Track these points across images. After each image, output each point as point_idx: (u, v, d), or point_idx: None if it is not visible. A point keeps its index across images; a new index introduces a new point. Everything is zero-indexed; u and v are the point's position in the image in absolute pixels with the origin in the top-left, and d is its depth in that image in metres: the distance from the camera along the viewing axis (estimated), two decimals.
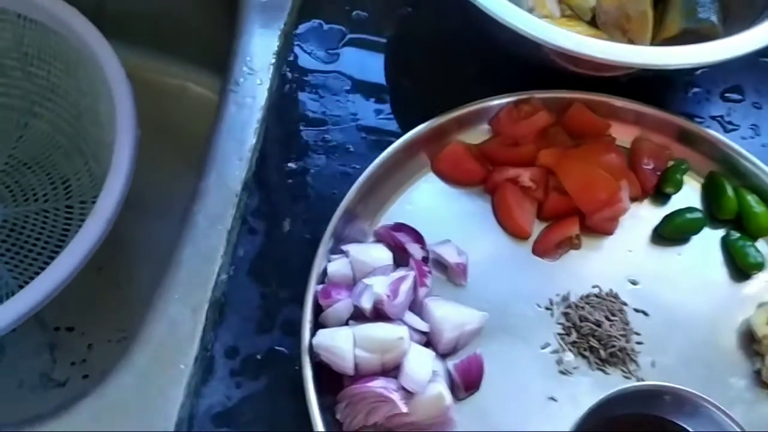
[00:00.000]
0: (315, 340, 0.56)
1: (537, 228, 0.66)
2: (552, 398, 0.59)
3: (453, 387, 0.58)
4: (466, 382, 0.58)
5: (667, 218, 0.66)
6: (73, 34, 0.70)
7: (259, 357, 0.60)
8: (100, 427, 0.56)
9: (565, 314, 0.62)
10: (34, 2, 0.71)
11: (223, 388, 0.59)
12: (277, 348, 0.61)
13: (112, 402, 0.57)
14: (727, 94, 0.75)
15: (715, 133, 0.69)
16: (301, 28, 0.76)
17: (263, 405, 0.58)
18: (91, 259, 0.64)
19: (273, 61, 0.73)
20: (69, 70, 0.76)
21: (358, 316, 0.57)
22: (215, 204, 0.65)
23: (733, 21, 0.68)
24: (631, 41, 0.69)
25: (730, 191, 0.67)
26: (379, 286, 0.56)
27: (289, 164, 0.69)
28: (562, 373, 0.61)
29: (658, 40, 0.68)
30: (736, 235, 0.66)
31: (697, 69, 0.73)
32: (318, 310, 0.59)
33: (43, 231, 0.80)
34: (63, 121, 0.83)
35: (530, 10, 0.70)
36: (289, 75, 0.73)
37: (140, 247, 0.88)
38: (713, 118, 0.73)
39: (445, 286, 0.63)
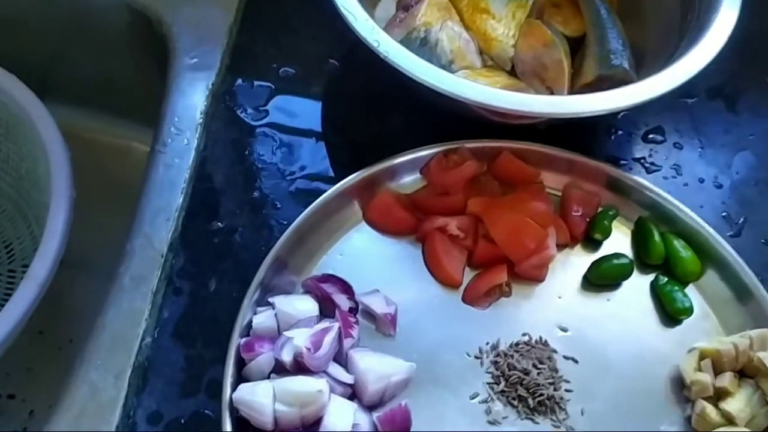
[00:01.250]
0: (235, 395, 0.55)
1: (468, 276, 0.66)
2: None
3: None
4: None
5: (595, 264, 0.67)
6: (12, 100, 0.72)
7: (183, 421, 0.59)
8: None
9: (495, 362, 0.62)
10: None
11: None
12: (202, 411, 0.60)
13: None
14: (649, 135, 0.77)
15: (641, 180, 0.70)
16: (230, 87, 0.77)
17: None
18: (30, 323, 0.64)
19: (200, 120, 0.73)
20: (9, 135, 0.77)
21: (280, 369, 0.57)
22: (141, 265, 0.65)
23: (648, 67, 0.70)
24: (549, 89, 0.71)
25: (657, 236, 0.67)
26: (299, 338, 0.56)
27: (217, 223, 0.69)
28: (490, 422, 0.60)
29: (576, 88, 0.70)
30: (664, 279, 0.66)
31: (617, 113, 0.75)
32: (241, 362, 0.58)
33: None
34: (6, 184, 0.83)
35: (450, 62, 0.71)
36: (218, 134, 0.74)
37: (82, 309, 0.87)
38: (636, 160, 0.75)
39: (373, 337, 0.63)
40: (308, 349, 0.55)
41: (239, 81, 0.77)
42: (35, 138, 0.70)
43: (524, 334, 0.64)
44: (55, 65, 0.93)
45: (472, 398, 0.61)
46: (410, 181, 0.70)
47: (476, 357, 0.63)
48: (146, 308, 0.63)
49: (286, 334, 0.57)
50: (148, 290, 0.63)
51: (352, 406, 0.56)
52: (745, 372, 0.62)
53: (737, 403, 0.59)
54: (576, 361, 0.63)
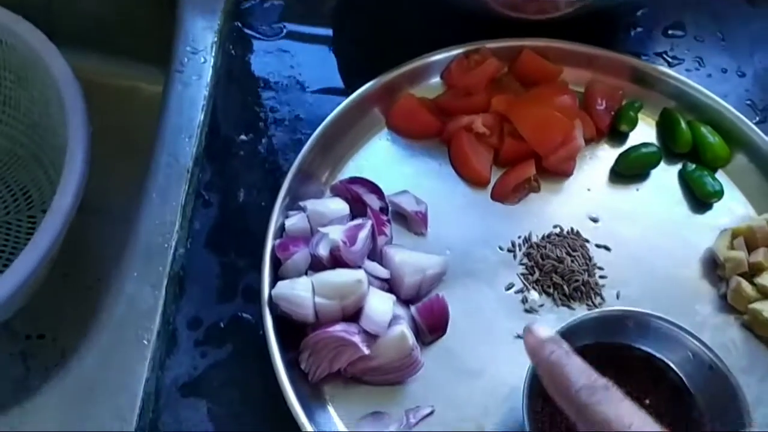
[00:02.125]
0: (274, 292, 0.55)
1: (495, 175, 0.66)
2: (519, 336, 0.59)
3: (418, 332, 0.58)
4: (430, 325, 0.57)
5: (623, 155, 0.67)
6: (20, 42, 0.70)
7: (222, 325, 0.60)
8: (65, 409, 0.56)
9: (528, 254, 0.62)
10: None
11: (188, 359, 0.58)
12: (239, 314, 0.60)
13: (76, 383, 0.57)
14: (669, 31, 0.76)
15: (667, 70, 0.70)
16: (242, 6, 0.76)
17: (230, 371, 0.58)
18: (55, 267, 0.64)
19: (215, 39, 0.73)
20: (20, 80, 0.76)
21: (316, 266, 0.57)
22: (167, 181, 0.65)
23: None
24: None
25: (683, 124, 0.67)
26: (335, 233, 0.56)
27: (241, 136, 0.69)
28: (527, 311, 0.60)
29: None
30: (692, 166, 0.66)
31: (638, 8, 0.74)
32: (277, 265, 0.59)
33: (7, 242, 0.79)
34: (18, 132, 0.83)
35: None
36: (234, 52, 0.74)
37: (104, 250, 0.88)
38: (657, 54, 0.74)
39: (405, 236, 0.63)
40: (344, 243, 0.56)
41: (251, 0, 0.76)
42: (47, 79, 0.69)
43: (555, 226, 0.64)
44: (58, 5, 0.92)
45: (508, 289, 0.61)
46: (432, 85, 0.70)
47: (509, 250, 0.63)
48: (176, 221, 0.63)
49: (321, 230, 0.57)
50: (177, 204, 0.64)
51: (390, 296, 0.56)
52: None
53: None
54: (609, 249, 0.63)
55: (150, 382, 0.57)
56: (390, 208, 0.63)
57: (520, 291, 0.61)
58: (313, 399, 0.55)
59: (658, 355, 0.56)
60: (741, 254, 0.60)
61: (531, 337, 0.47)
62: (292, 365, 0.56)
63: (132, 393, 0.56)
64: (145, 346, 0.58)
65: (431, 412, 0.56)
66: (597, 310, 0.59)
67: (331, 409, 0.56)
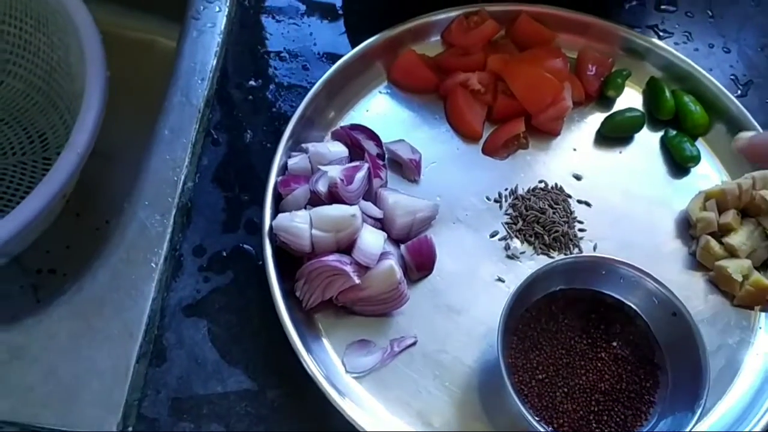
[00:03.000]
0: (275, 222, 0.59)
1: (487, 130, 0.70)
2: (500, 279, 0.63)
3: (406, 269, 0.62)
4: (418, 263, 0.62)
5: (609, 118, 0.70)
6: None
7: (224, 254, 0.64)
8: (76, 321, 0.60)
9: (513, 205, 0.66)
10: None
11: (192, 282, 0.63)
12: (241, 245, 0.64)
13: (88, 297, 0.61)
14: (662, 6, 0.80)
15: (656, 41, 0.73)
16: None
17: (230, 296, 0.62)
18: (68, 206, 0.68)
19: None
20: (40, 25, 0.77)
21: (315, 202, 0.61)
22: (179, 119, 0.69)
23: None
24: None
25: (668, 93, 0.71)
26: (333, 171, 0.60)
27: (250, 82, 0.72)
28: (509, 257, 0.65)
29: None
30: (673, 132, 0.70)
31: None
32: (278, 201, 0.63)
33: (23, 182, 0.81)
34: (36, 77, 0.84)
35: None
36: (247, 2, 0.77)
37: (115, 194, 0.91)
38: (649, 27, 0.78)
39: (400, 182, 0.67)
40: (342, 180, 0.59)
41: None
42: (67, 26, 0.71)
43: (540, 181, 0.68)
44: None
45: (492, 236, 0.65)
46: (432, 43, 0.73)
47: (495, 201, 0.67)
48: (186, 156, 0.67)
49: (322, 167, 0.61)
50: (187, 141, 0.67)
51: (382, 233, 0.60)
52: (748, 212, 0.66)
53: (739, 238, 0.64)
54: (589, 205, 0.67)
55: (156, 301, 0.61)
56: (387, 155, 0.67)
57: (504, 238, 0.65)
58: (306, 326, 0.60)
59: (626, 301, 0.60)
60: (711, 215, 0.64)
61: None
62: (288, 294, 0.60)
63: (139, 310, 0.60)
64: (153, 268, 0.62)
65: (414, 343, 0.60)
66: (571, 256, 0.63)
67: (322, 335, 0.60)
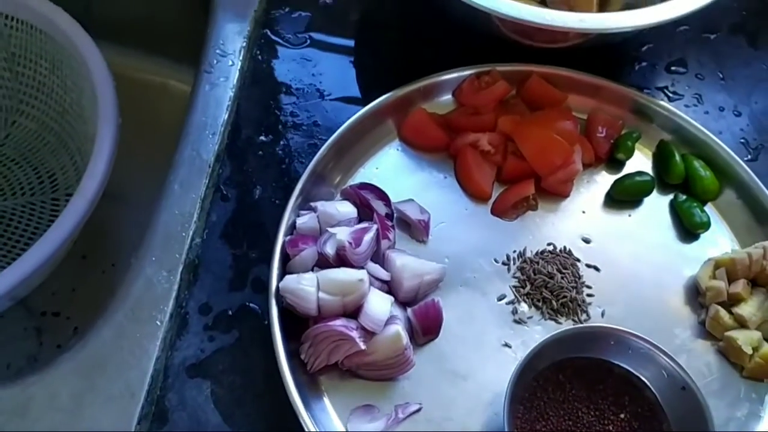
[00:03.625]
0: (282, 284, 0.59)
1: (496, 191, 0.70)
2: (506, 344, 0.63)
3: (413, 333, 0.62)
4: (425, 327, 0.61)
5: (619, 181, 0.70)
6: (58, 32, 0.73)
7: (230, 312, 0.64)
8: (77, 380, 0.59)
9: (521, 268, 0.66)
10: (22, 2, 0.74)
11: (197, 341, 0.62)
12: (248, 304, 0.64)
13: (91, 355, 0.61)
14: (672, 67, 0.80)
15: (666, 104, 0.73)
16: (271, 15, 0.80)
17: (235, 356, 0.62)
18: (75, 248, 0.68)
19: (244, 44, 0.77)
20: (54, 68, 0.79)
21: (322, 264, 0.61)
22: (189, 173, 0.69)
23: None
24: None
25: (678, 157, 0.71)
26: (342, 234, 0.60)
27: (261, 137, 0.73)
28: (516, 322, 0.64)
29: None
30: (683, 197, 0.70)
31: (643, 44, 0.78)
32: (286, 260, 0.63)
33: (30, 222, 0.82)
34: (49, 118, 0.86)
35: None
36: (260, 57, 0.78)
37: (122, 236, 0.91)
38: (659, 89, 0.78)
39: (408, 243, 0.67)
40: (350, 243, 0.59)
41: (281, 9, 0.80)
42: (81, 69, 0.72)
43: (549, 244, 0.68)
44: (97, 0, 0.95)
45: (500, 299, 0.65)
46: (443, 102, 0.74)
47: (503, 263, 0.67)
48: (195, 212, 0.67)
49: (330, 230, 0.61)
50: (196, 196, 0.68)
51: (389, 297, 0.60)
52: (758, 281, 0.65)
53: (749, 308, 0.63)
54: (598, 270, 0.67)
55: (160, 360, 0.60)
56: (395, 215, 0.67)
57: (511, 302, 0.65)
58: (310, 388, 0.59)
59: (635, 372, 0.59)
60: (721, 284, 0.64)
61: None
62: (292, 355, 0.59)
63: (142, 370, 0.60)
64: (158, 326, 0.62)
65: (419, 409, 0.59)
66: (581, 325, 0.63)
67: (326, 399, 0.59)
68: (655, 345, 0.58)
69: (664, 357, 0.57)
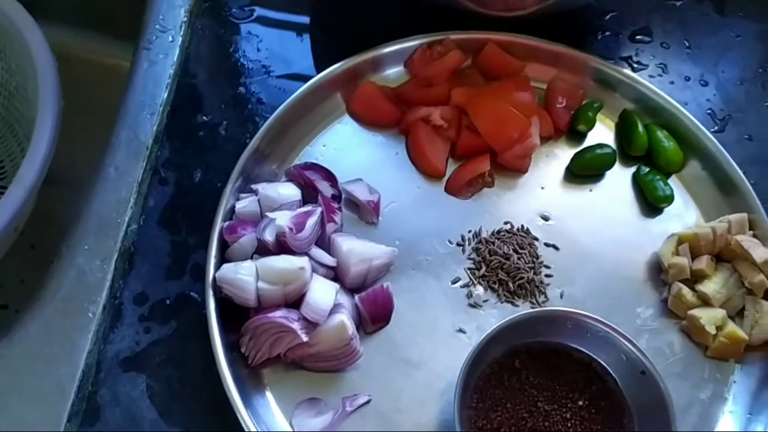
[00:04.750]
0: (218, 274, 0.56)
1: (451, 168, 0.67)
2: (461, 330, 0.60)
3: (361, 321, 0.59)
4: (373, 315, 0.58)
5: (578, 154, 0.67)
6: (2, 14, 0.68)
7: (168, 302, 0.60)
8: (5, 376, 0.56)
9: (476, 249, 0.63)
10: None
11: (132, 333, 0.59)
12: (187, 293, 0.60)
13: (18, 352, 0.57)
14: (636, 36, 0.76)
15: (629, 72, 0.70)
16: None
17: (172, 348, 0.58)
18: (22, 238, 0.64)
19: (185, 18, 0.72)
20: None
21: (263, 251, 0.57)
22: (126, 156, 0.65)
23: None
24: None
25: (641, 128, 0.67)
26: (282, 219, 0.56)
27: (202, 117, 0.68)
28: (471, 306, 0.61)
29: None
30: (646, 170, 0.67)
31: (606, 12, 0.74)
32: (225, 247, 0.59)
33: None
34: None
35: None
36: (202, 32, 0.73)
37: (71, 223, 0.88)
38: (623, 59, 0.74)
39: (357, 225, 0.63)
40: (290, 229, 0.56)
41: None
42: (25, 52, 0.68)
43: (506, 223, 0.64)
44: None
45: (454, 283, 0.62)
46: (394, 74, 0.70)
47: (458, 244, 0.63)
48: (131, 197, 0.63)
49: (269, 215, 0.57)
50: (133, 180, 0.64)
51: (334, 285, 0.56)
52: (723, 256, 0.62)
53: (713, 285, 0.60)
54: (557, 248, 0.64)
55: (92, 354, 0.57)
56: (343, 196, 0.63)
57: (466, 285, 0.62)
58: (251, 382, 0.56)
59: (594, 356, 0.56)
60: (684, 261, 0.61)
61: None
62: (233, 347, 0.56)
63: (73, 365, 0.56)
64: (90, 319, 0.58)
65: (368, 401, 0.56)
66: (537, 309, 0.60)
67: (269, 393, 0.56)
68: (613, 328, 0.55)
69: (623, 340, 0.55)
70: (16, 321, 0.59)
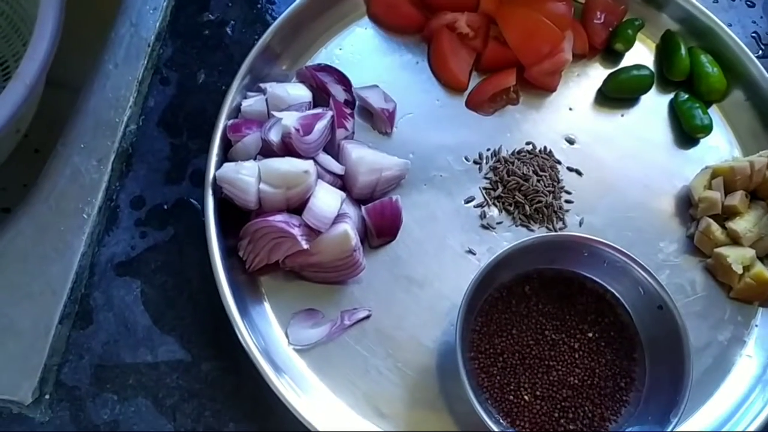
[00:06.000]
0: (218, 173, 0.53)
1: (474, 81, 0.62)
2: (470, 251, 0.57)
3: (367, 233, 0.56)
4: (379, 228, 0.55)
5: (613, 74, 0.62)
6: None
7: (166, 207, 0.58)
8: None
9: (494, 168, 0.59)
10: None
11: (128, 237, 0.56)
12: (186, 198, 0.58)
13: (9, 250, 0.54)
14: None
15: None
16: None
17: (169, 254, 0.56)
18: (26, 142, 0.61)
19: None
20: None
21: (267, 152, 0.54)
22: (126, 53, 0.61)
23: None
24: None
25: (683, 50, 0.62)
26: (289, 119, 0.53)
27: (207, 15, 0.64)
28: (484, 227, 0.58)
29: None
30: (685, 96, 0.62)
31: None
32: (228, 148, 0.56)
33: None
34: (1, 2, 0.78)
35: None
36: None
37: (76, 127, 0.85)
38: None
39: (369, 135, 0.60)
40: (297, 130, 0.52)
41: None
42: None
43: (528, 143, 0.60)
44: None
45: (467, 202, 0.58)
46: None
47: (475, 162, 0.60)
48: (131, 96, 0.60)
49: (276, 114, 0.53)
50: (133, 79, 0.60)
51: (340, 193, 0.53)
52: (759, 194, 0.58)
53: (745, 223, 0.56)
54: (580, 174, 0.60)
55: (86, 256, 0.55)
56: (357, 103, 0.60)
57: (480, 205, 0.58)
58: (248, 290, 0.54)
59: (609, 287, 0.53)
60: (716, 195, 0.57)
61: None
62: (231, 253, 0.54)
63: (65, 266, 0.54)
64: (85, 220, 0.56)
65: (368, 316, 0.54)
66: (552, 234, 0.56)
67: (266, 302, 0.54)
68: (632, 258, 0.51)
69: (642, 272, 0.51)
70: (8, 219, 0.57)
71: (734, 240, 0.56)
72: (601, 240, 0.52)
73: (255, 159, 0.54)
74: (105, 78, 0.60)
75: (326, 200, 0.52)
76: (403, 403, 0.52)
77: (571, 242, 0.53)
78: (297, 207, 0.53)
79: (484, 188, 0.59)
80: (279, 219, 0.51)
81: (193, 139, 0.60)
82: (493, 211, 0.58)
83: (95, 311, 0.54)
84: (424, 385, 0.52)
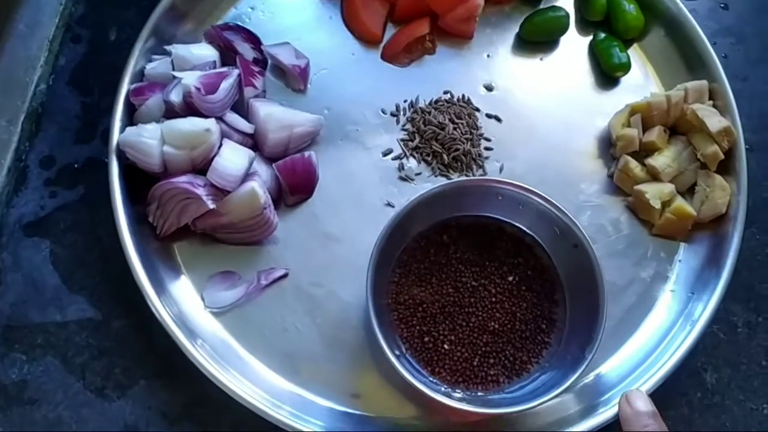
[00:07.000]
0: (121, 138, 0.52)
1: (389, 33, 0.61)
2: (389, 204, 0.56)
3: (281, 192, 0.55)
4: (292, 185, 0.54)
5: (528, 18, 0.61)
6: None
7: (76, 166, 0.57)
8: None
9: (411, 119, 0.58)
10: None
11: (37, 197, 0.55)
12: (96, 158, 0.57)
13: None
14: None
15: None
16: None
17: (78, 214, 0.55)
18: None
19: None
20: None
21: (171, 114, 0.53)
22: (38, 11, 0.60)
23: None
24: None
25: None
26: (190, 78, 0.52)
27: None
28: (402, 179, 0.57)
29: None
30: (602, 35, 0.61)
31: None
32: (133, 112, 0.54)
33: None
34: None
35: None
36: None
37: None
38: None
39: (283, 92, 0.59)
40: (197, 89, 0.51)
41: None
42: None
43: (446, 92, 0.60)
44: None
45: (385, 155, 0.57)
46: None
47: (392, 114, 0.59)
48: (42, 55, 0.59)
49: (177, 74, 0.52)
50: (44, 37, 0.59)
51: (247, 151, 0.52)
52: (678, 129, 0.58)
53: (664, 159, 0.56)
54: (499, 120, 0.59)
55: None
56: (269, 62, 0.58)
57: (398, 157, 0.57)
58: (162, 256, 0.53)
59: (527, 230, 0.53)
60: (634, 132, 0.56)
61: (626, 407, 0.45)
62: (143, 220, 0.53)
63: None
64: None
65: (285, 275, 0.53)
66: (463, 178, 0.55)
67: (181, 267, 0.53)
68: (546, 199, 0.50)
69: (557, 212, 0.50)
70: None
71: (654, 176, 0.56)
72: (512, 182, 0.51)
73: (159, 122, 0.53)
74: (15, 37, 0.59)
75: (231, 158, 0.51)
76: (322, 360, 0.51)
77: (483, 186, 0.52)
78: (204, 168, 0.51)
79: (402, 140, 0.58)
80: (183, 180, 0.50)
81: (104, 96, 0.58)
82: (411, 163, 0.57)
83: (3, 272, 0.53)
84: (345, 340, 0.52)
